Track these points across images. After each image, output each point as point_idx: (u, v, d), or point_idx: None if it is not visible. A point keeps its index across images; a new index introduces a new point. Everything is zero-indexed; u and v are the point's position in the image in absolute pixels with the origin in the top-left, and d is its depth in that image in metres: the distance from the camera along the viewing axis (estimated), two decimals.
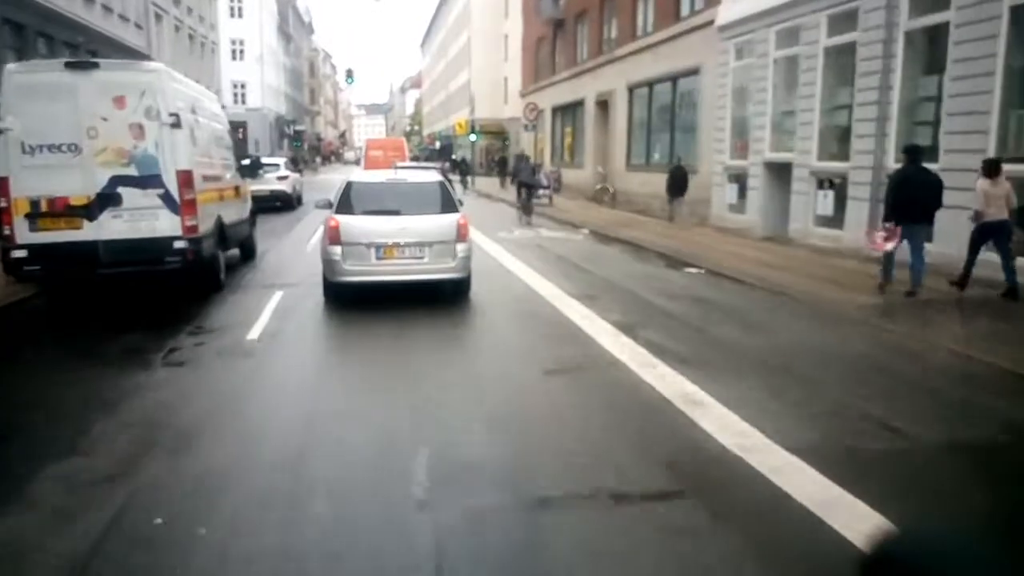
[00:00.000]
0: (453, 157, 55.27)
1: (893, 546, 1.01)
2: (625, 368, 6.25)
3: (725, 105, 17.00)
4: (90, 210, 8.10)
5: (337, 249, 8.14)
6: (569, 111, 30.51)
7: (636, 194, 22.44)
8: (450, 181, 16.01)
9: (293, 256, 13.25)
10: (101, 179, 8.10)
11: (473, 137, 39.08)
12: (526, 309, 8.85)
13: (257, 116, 53.01)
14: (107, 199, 8.13)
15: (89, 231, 8.10)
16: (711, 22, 17.51)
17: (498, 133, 57.30)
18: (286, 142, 60.17)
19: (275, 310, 8.42)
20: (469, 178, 38.26)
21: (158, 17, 27.88)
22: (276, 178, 22.51)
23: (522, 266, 11.84)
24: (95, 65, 8.36)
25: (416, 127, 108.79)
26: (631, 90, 23.46)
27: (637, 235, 15.68)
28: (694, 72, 18.93)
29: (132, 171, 8.15)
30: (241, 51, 52.56)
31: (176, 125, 8.24)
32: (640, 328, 7.56)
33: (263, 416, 5.26)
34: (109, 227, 8.13)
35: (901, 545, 1.01)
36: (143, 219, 8.19)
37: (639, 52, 22.53)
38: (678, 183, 18.25)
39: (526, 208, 20.15)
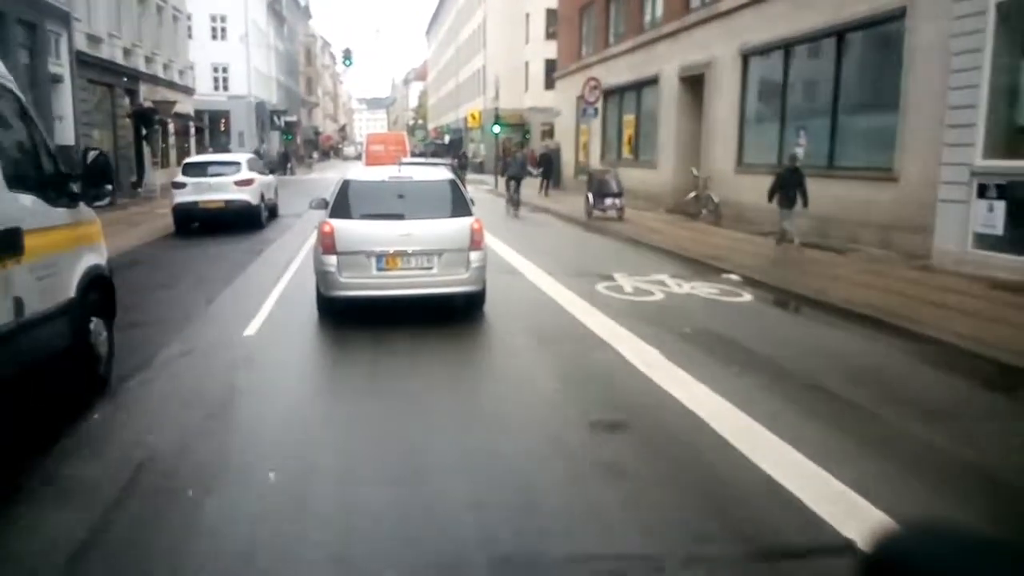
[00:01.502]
0: (464, 152, 49.16)
1: (897, 545, 0.94)
2: None
3: (979, 64, 9.89)
4: None
5: (332, 259, 7.11)
6: (631, 93, 23.42)
7: (754, 208, 15.34)
8: (462, 180, 11.54)
9: (206, 374, 6.19)
10: None
11: (496, 129, 31.96)
12: None
13: (241, 104, 45.95)
14: None
15: None
16: None
17: (518, 126, 50.31)
18: (277, 135, 53.02)
19: None
20: (466, 174, 32.00)
21: None
22: (234, 183, 15.47)
23: (782, 448, 4.71)
24: None
25: (420, 121, 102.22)
26: (746, 57, 16.38)
27: (867, 298, 8.59)
28: (892, 18, 11.85)
29: None
30: (223, 29, 45.40)
31: None
32: None
33: None
34: None
35: (905, 544, 0.93)
36: None
37: (762, 1, 15.47)
38: (790, 191, 11.88)
39: (513, 201, 20.07)
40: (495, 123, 31.80)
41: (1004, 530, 3.37)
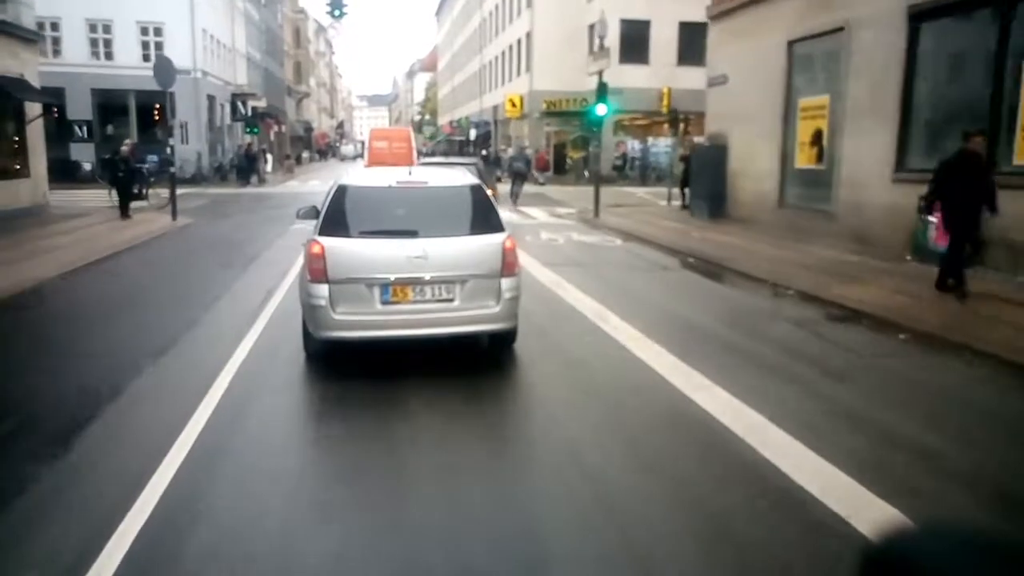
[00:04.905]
0: (484, 153, 36.83)
1: (902, 543, 0.91)
2: None
3: None
4: None
5: (323, 290, 5.59)
6: None
7: None
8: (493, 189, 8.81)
9: None
10: None
11: (603, 109, 17.61)
12: None
13: (186, 83, 31.48)
14: None
15: None
16: None
17: (574, 114, 36.09)
18: (240, 128, 38.44)
19: None
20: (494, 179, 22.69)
21: None
22: None
23: None
24: None
25: (427, 116, 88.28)
26: None
27: None
28: None
29: None
30: None
31: None
32: None
33: None
34: None
35: (910, 542, 0.91)
36: None
37: None
38: None
39: (514, 194, 21.53)
40: (599, 100, 17.41)
41: None
